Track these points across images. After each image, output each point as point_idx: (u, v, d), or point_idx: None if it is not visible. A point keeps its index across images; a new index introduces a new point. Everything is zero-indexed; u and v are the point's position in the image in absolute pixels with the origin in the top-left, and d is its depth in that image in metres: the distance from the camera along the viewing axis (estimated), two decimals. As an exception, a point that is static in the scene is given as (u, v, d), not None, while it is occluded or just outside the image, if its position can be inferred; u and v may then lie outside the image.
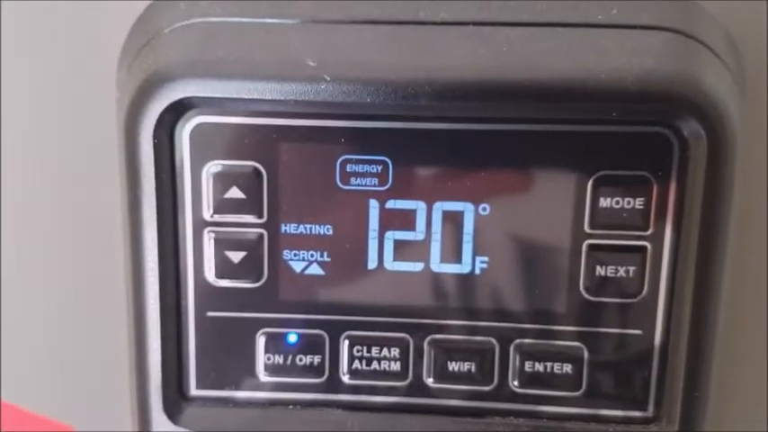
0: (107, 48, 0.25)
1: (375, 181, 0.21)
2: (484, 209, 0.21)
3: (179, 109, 0.20)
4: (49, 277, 0.30)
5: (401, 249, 0.22)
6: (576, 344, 0.22)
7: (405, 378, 0.23)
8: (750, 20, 0.25)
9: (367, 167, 0.21)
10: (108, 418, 0.30)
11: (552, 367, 0.22)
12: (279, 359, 0.23)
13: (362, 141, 0.21)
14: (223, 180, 0.21)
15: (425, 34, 0.21)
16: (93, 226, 0.27)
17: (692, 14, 0.22)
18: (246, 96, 0.21)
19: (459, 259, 0.22)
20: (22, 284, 0.31)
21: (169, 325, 0.22)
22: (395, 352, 0.22)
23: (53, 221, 0.28)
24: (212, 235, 0.22)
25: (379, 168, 0.21)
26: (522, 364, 0.22)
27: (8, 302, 0.32)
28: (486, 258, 0.22)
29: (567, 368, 0.22)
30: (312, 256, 0.22)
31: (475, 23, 0.21)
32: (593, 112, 0.20)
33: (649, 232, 0.21)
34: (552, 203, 0.21)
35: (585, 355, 0.22)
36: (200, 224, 0.22)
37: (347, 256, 0.22)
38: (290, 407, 0.23)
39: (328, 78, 0.20)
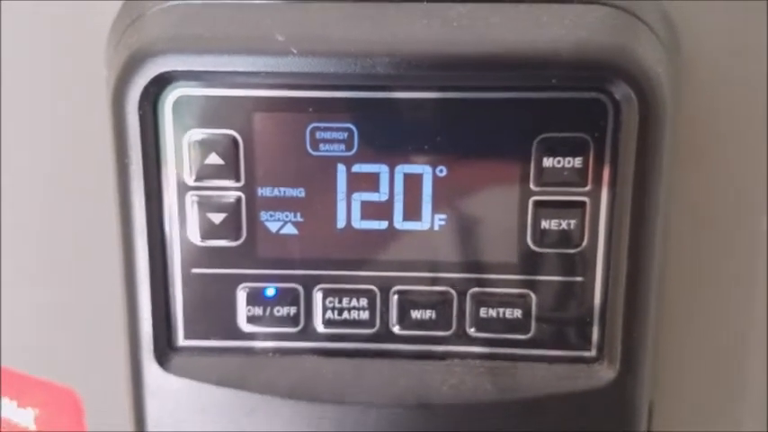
0: (97, 29, 0.26)
1: (342, 147, 0.22)
2: (441, 171, 0.22)
3: (161, 82, 0.21)
4: (44, 245, 0.31)
5: (367, 209, 0.23)
6: (525, 291, 0.23)
7: (373, 326, 0.23)
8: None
9: (334, 134, 0.22)
10: (108, 379, 0.32)
11: (504, 313, 0.23)
12: (258, 311, 0.24)
13: (329, 110, 0.22)
14: (203, 147, 0.22)
15: (384, 11, 0.21)
16: (85, 197, 0.27)
17: None
18: (222, 69, 0.21)
19: (419, 217, 0.23)
20: (20, 251, 0.32)
21: (158, 282, 0.23)
22: (363, 302, 0.23)
23: (48, 193, 0.29)
24: (195, 198, 0.22)
25: (346, 135, 0.22)
26: (477, 311, 0.23)
27: (6, 267, 0.33)
28: (443, 216, 0.23)
29: (518, 313, 0.23)
30: (286, 216, 0.23)
31: (428, 1, 0.22)
32: (535, 80, 0.21)
33: (588, 188, 0.22)
34: (501, 164, 0.22)
35: (533, 301, 0.23)
36: (183, 189, 0.22)
37: (318, 216, 0.23)
38: (270, 354, 0.24)
39: (295, 51, 0.20)
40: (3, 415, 0.36)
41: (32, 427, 0.35)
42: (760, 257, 0.29)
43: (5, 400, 0.36)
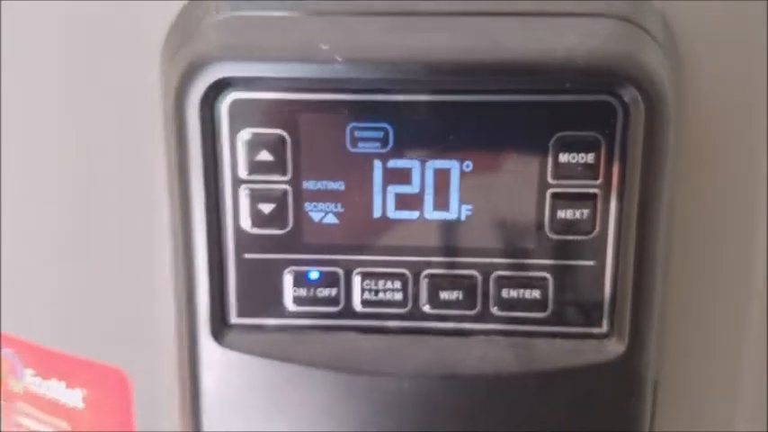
0: (146, 42, 0.28)
1: (378, 145, 0.25)
2: (467, 166, 0.25)
3: (219, 87, 0.24)
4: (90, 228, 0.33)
5: (400, 200, 0.25)
6: (543, 274, 0.25)
7: (405, 306, 0.26)
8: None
9: (371, 133, 0.25)
10: (153, 358, 0.34)
11: (524, 294, 0.26)
12: (303, 292, 0.26)
13: (367, 111, 0.24)
14: (254, 145, 0.25)
15: (416, 23, 0.24)
16: (130, 186, 0.30)
17: (632, 4, 0.25)
18: (272, 75, 0.24)
19: (447, 208, 0.25)
20: (64, 233, 0.34)
21: (214, 266, 0.25)
22: (397, 284, 0.26)
23: (92, 180, 0.31)
24: (247, 191, 0.25)
25: (381, 134, 0.25)
26: (500, 292, 0.25)
27: (52, 249, 0.36)
28: (469, 206, 0.25)
29: (536, 294, 0.25)
30: (328, 207, 0.25)
31: (457, 14, 0.24)
32: (552, 84, 0.23)
33: (599, 181, 0.24)
34: (522, 160, 0.24)
35: (550, 283, 0.25)
36: (237, 182, 0.25)
37: (356, 207, 0.25)
38: (312, 331, 0.26)
39: (339, 59, 0.23)
40: (52, 396, 0.38)
41: (81, 405, 0.37)
42: (759, 257, 0.32)
43: (54, 381, 0.39)
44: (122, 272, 0.32)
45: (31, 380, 0.38)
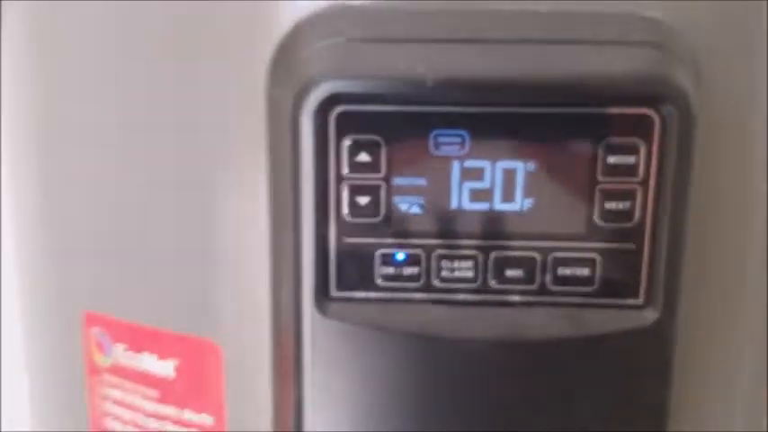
0: (253, 59, 0.33)
1: (457, 148, 0.30)
2: (530, 166, 0.30)
3: (329, 102, 0.29)
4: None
5: (474, 194, 0.30)
6: (592, 255, 0.30)
7: (476, 282, 0.31)
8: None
9: (451, 139, 0.30)
10: (245, 331, 0.37)
11: (575, 271, 0.31)
12: (390, 270, 0.31)
13: (448, 121, 0.29)
14: (355, 149, 0.29)
15: (493, 50, 0.29)
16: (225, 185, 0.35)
17: (664, 33, 0.30)
18: (373, 92, 0.29)
19: (513, 200, 0.30)
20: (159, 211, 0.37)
21: (319, 248, 0.30)
22: (469, 264, 0.31)
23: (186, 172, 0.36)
24: (347, 186, 0.30)
25: (460, 139, 0.30)
26: (555, 270, 0.31)
27: (147, 224, 0.39)
28: (531, 200, 0.30)
29: (586, 271, 0.30)
30: (413, 200, 0.30)
31: (526, 42, 0.29)
32: (605, 101, 0.28)
33: (640, 179, 0.29)
34: (577, 161, 0.29)
35: (598, 262, 0.30)
36: (339, 179, 0.30)
37: (437, 199, 0.30)
38: (398, 303, 0.31)
39: (430, 80, 0.28)
40: (143, 368, 0.40)
41: (173, 375, 0.39)
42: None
43: (146, 354, 0.40)
44: (214, 248, 0.37)
45: (121, 354, 0.41)
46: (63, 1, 0.36)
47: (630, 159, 0.29)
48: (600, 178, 0.30)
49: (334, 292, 0.31)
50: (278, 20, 0.31)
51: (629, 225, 0.30)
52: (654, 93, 0.28)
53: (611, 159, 0.29)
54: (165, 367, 0.39)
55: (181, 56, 0.34)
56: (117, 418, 0.42)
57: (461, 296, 0.31)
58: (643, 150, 0.29)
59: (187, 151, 0.36)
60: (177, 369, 0.39)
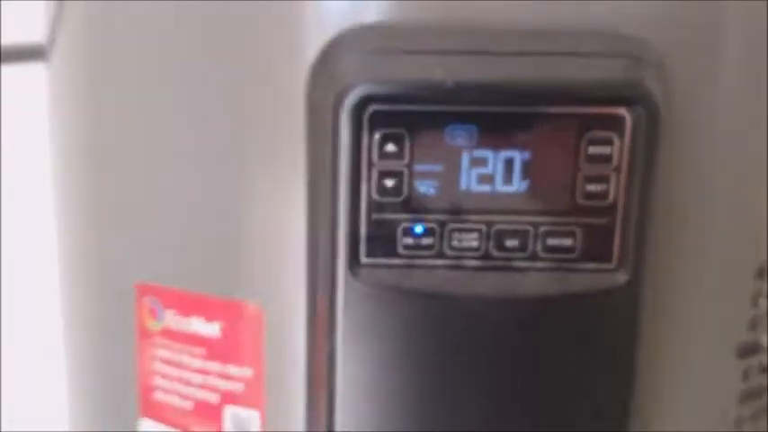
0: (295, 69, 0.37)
1: (467, 140, 0.34)
2: (525, 155, 0.35)
3: (363, 102, 0.33)
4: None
5: (480, 178, 0.35)
6: (574, 228, 0.35)
7: (480, 250, 0.36)
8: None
9: (463, 132, 0.34)
10: (283, 295, 0.40)
11: (561, 242, 0.35)
12: (410, 241, 0.35)
13: (461, 118, 0.34)
14: (384, 140, 0.34)
15: (496, 59, 0.34)
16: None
17: (636, 46, 0.35)
18: (400, 94, 0.34)
19: (511, 183, 0.35)
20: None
21: (352, 223, 0.35)
22: (475, 236, 0.35)
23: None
24: (376, 171, 0.35)
25: (469, 133, 0.34)
26: (546, 240, 0.35)
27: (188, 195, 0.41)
28: (526, 183, 0.35)
29: (569, 242, 0.35)
30: (430, 183, 0.35)
31: (524, 54, 0.34)
32: (586, 102, 0.34)
33: (614, 167, 0.34)
34: (564, 151, 0.34)
35: (579, 234, 0.35)
36: (370, 165, 0.34)
37: (449, 182, 0.35)
38: (416, 268, 0.36)
39: (450, 84, 0.33)
40: (191, 330, 0.43)
41: (219, 335, 0.42)
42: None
43: (194, 318, 0.42)
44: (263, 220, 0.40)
45: (171, 318, 0.43)
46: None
47: (607, 150, 0.34)
48: (582, 165, 0.34)
49: (363, 260, 0.36)
50: (317, 34, 0.36)
51: (605, 204, 0.35)
52: (626, 96, 0.34)
53: (591, 150, 0.34)
54: (211, 329, 0.43)
55: (231, 66, 0.39)
56: (164, 375, 0.45)
57: (469, 262, 0.36)
58: (617, 143, 0.34)
59: (233, 144, 0.40)
60: (222, 330, 0.42)
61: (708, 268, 0.40)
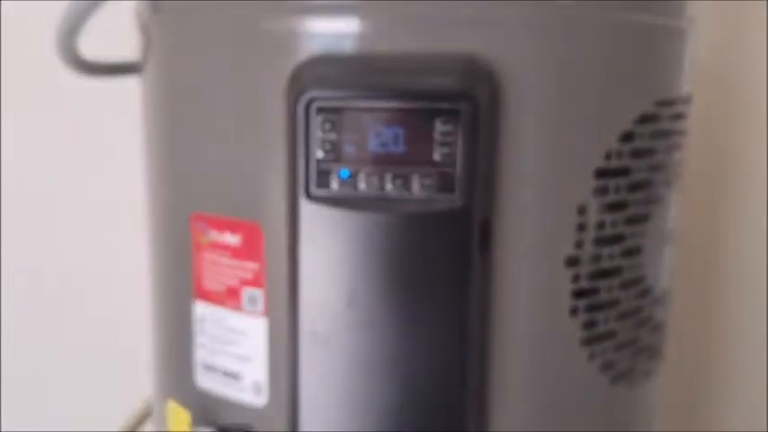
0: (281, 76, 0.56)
1: (372, 122, 0.57)
2: (405, 131, 0.58)
3: (311, 100, 0.49)
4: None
5: (379, 144, 0.54)
6: (434, 173, 0.50)
7: (379, 187, 0.57)
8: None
9: (369, 117, 0.55)
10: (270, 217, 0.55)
11: (427, 182, 0.55)
12: (339, 180, 0.50)
13: (369, 109, 0.54)
14: (323, 122, 0.50)
15: (391, 76, 0.58)
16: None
17: (474, 64, 0.50)
18: (332, 95, 0.57)
19: (398, 146, 0.59)
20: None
21: (306, 170, 0.50)
22: (376, 177, 0.53)
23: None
24: (319, 140, 0.50)
25: (373, 117, 0.55)
26: (419, 181, 0.56)
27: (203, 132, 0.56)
28: (405, 147, 0.57)
29: (429, 181, 0.50)
30: (350, 146, 0.52)
31: (399, 71, 0.59)
32: (439, 100, 0.50)
33: (456, 141, 0.50)
34: (427, 129, 0.51)
35: (435, 177, 0.50)
36: (315, 136, 0.50)
37: (362, 146, 0.52)
38: (342, 197, 0.53)
39: (362, 89, 0.57)
40: (224, 241, 0.56)
41: (239, 243, 0.56)
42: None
43: (226, 233, 0.57)
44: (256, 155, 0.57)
45: (213, 235, 0.58)
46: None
47: (451, 128, 0.49)
48: (436, 137, 0.49)
49: (313, 191, 0.51)
50: (291, 63, 0.53)
51: (450, 160, 0.50)
52: (461, 95, 0.49)
53: (441, 128, 0.49)
54: (235, 239, 0.56)
55: (248, 81, 0.55)
56: (208, 271, 0.59)
57: (372, 193, 0.50)
58: (459, 123, 0.48)
59: (247, 128, 0.55)
60: (241, 240, 0.56)
61: (531, 206, 0.55)
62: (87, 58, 0.62)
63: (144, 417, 0.90)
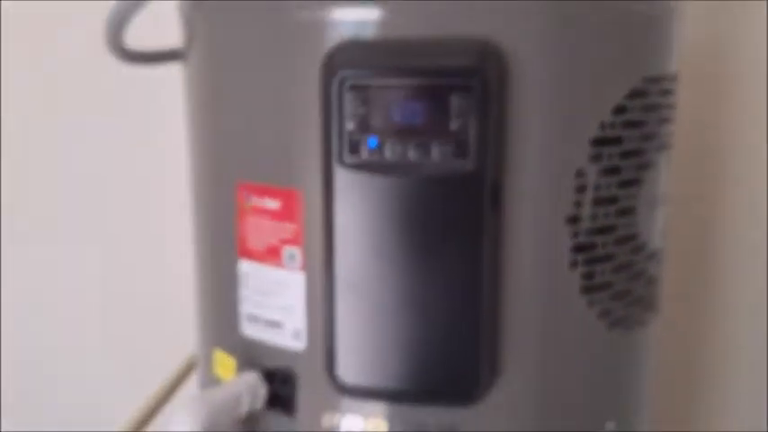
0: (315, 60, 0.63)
1: (395, 98, 0.65)
2: (424, 104, 0.66)
3: (344, 79, 0.56)
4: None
5: (402, 115, 0.64)
6: (452, 142, 0.56)
7: (403, 154, 0.64)
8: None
9: (393, 93, 0.62)
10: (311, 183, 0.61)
11: (443, 149, 0.64)
12: (369, 148, 0.57)
13: (394, 86, 0.66)
14: (353, 98, 0.56)
15: (414, 57, 0.68)
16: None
17: (485, 45, 0.56)
18: (363, 74, 0.66)
19: (419, 118, 0.67)
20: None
21: (339, 139, 0.58)
22: (400, 146, 0.60)
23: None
24: (350, 113, 0.58)
25: (396, 93, 0.64)
26: (436, 147, 0.63)
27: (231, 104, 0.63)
28: (425, 119, 0.66)
29: (448, 148, 0.57)
30: (378, 118, 0.57)
31: (420, 54, 0.67)
32: (454, 76, 0.56)
33: (469, 109, 0.55)
34: (445, 103, 0.57)
35: (451, 144, 0.56)
36: (347, 110, 0.57)
37: (387, 118, 0.58)
38: (371, 162, 0.59)
39: (388, 70, 0.67)
40: (264, 206, 0.62)
41: (279, 208, 0.61)
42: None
43: (266, 198, 0.62)
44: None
45: (255, 200, 0.63)
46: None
47: (465, 102, 0.54)
48: (452, 110, 0.54)
49: (346, 158, 0.56)
50: (326, 46, 0.60)
51: (464, 128, 0.55)
52: (473, 73, 0.55)
53: (456, 102, 0.54)
54: (275, 204, 0.61)
55: (284, 57, 0.62)
56: (252, 232, 0.63)
57: (397, 159, 0.56)
58: (472, 97, 0.54)
59: (285, 106, 0.61)
60: (281, 204, 0.61)
61: (535, 170, 0.60)
62: (132, 47, 0.68)
63: (188, 370, 0.98)
